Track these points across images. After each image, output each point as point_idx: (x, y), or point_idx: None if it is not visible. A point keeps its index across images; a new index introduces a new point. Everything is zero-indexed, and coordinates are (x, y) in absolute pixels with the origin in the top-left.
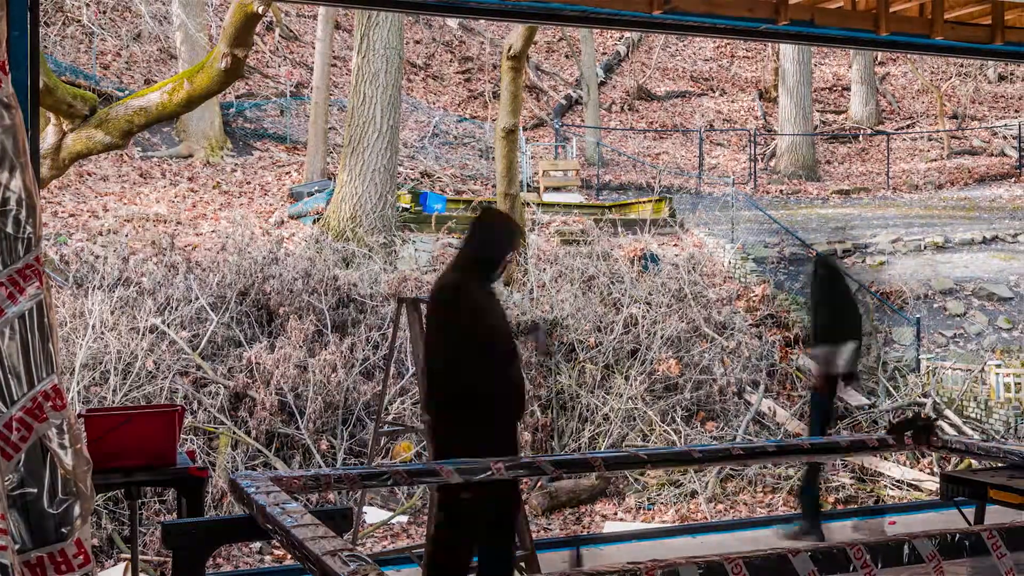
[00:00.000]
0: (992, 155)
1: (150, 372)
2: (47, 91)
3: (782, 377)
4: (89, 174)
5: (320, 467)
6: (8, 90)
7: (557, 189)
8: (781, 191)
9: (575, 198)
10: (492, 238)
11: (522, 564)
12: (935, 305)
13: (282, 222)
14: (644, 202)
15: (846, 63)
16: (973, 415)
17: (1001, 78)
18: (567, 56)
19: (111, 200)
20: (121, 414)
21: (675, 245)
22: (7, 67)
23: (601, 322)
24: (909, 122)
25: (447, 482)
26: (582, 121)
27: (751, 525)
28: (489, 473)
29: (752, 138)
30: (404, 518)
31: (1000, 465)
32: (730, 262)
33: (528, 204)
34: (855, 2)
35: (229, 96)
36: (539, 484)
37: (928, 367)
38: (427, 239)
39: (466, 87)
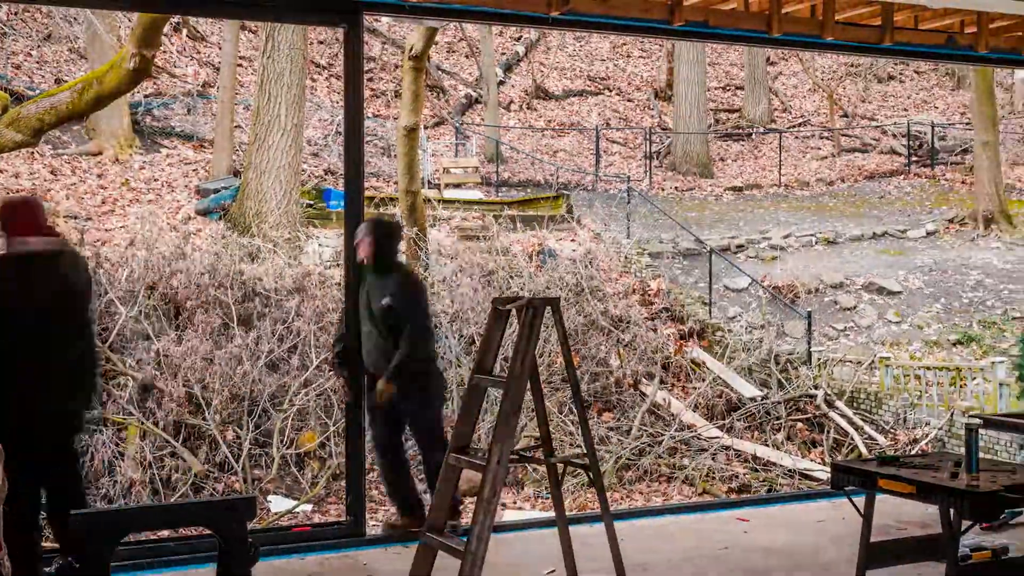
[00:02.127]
0: (882, 152)
1: None
2: None
3: (676, 369)
4: (0, 171)
5: (227, 456)
6: None
7: (457, 186)
8: (676, 188)
9: (475, 195)
10: None
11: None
12: (826, 299)
13: (189, 218)
14: (542, 199)
15: (739, 63)
16: (864, 406)
17: (890, 78)
18: (467, 56)
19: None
20: None
21: (572, 240)
22: None
23: None
24: (801, 121)
25: None
26: (482, 120)
27: (647, 514)
28: None
29: (647, 136)
30: (308, 506)
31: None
32: (626, 257)
33: (429, 201)
34: (748, 3)
35: (138, 95)
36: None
37: (819, 359)
38: (330, 234)
39: (368, 86)
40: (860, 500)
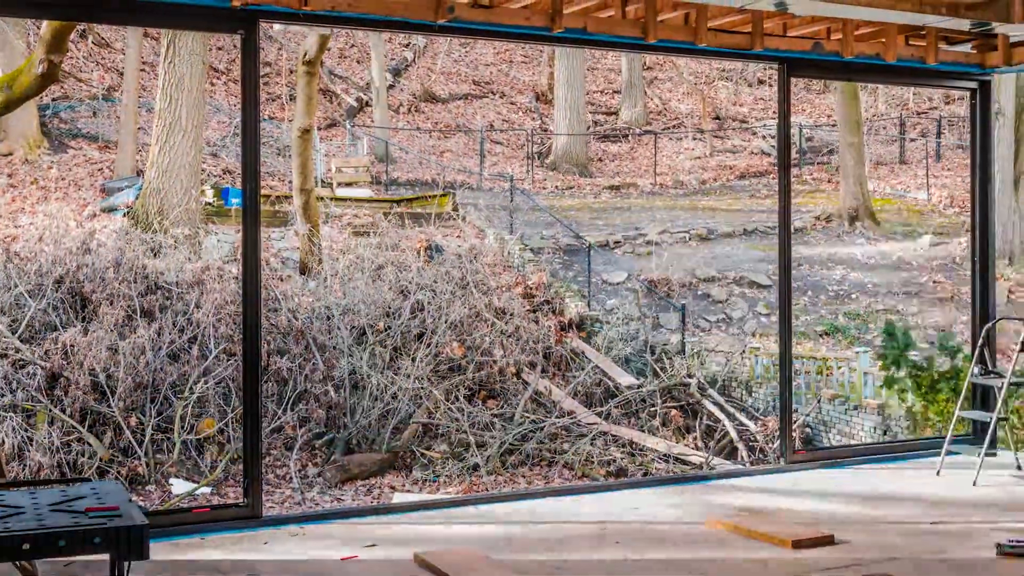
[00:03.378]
0: (752, 153)
1: None
2: None
3: (557, 359)
4: None
5: (131, 441)
6: None
7: (349, 184)
8: (556, 187)
9: (365, 193)
10: None
11: None
12: (699, 292)
13: (95, 215)
14: (429, 197)
15: (617, 68)
16: (736, 395)
17: (760, 82)
18: (358, 61)
19: None
20: None
21: (458, 237)
22: None
23: (390, 308)
24: (675, 123)
25: None
26: (372, 122)
27: (529, 496)
28: None
29: (529, 137)
30: (208, 489)
31: None
32: (509, 252)
33: (322, 198)
34: (625, 11)
35: (46, 99)
36: (331, 458)
37: (692, 350)
38: (228, 230)
39: (264, 90)
40: None
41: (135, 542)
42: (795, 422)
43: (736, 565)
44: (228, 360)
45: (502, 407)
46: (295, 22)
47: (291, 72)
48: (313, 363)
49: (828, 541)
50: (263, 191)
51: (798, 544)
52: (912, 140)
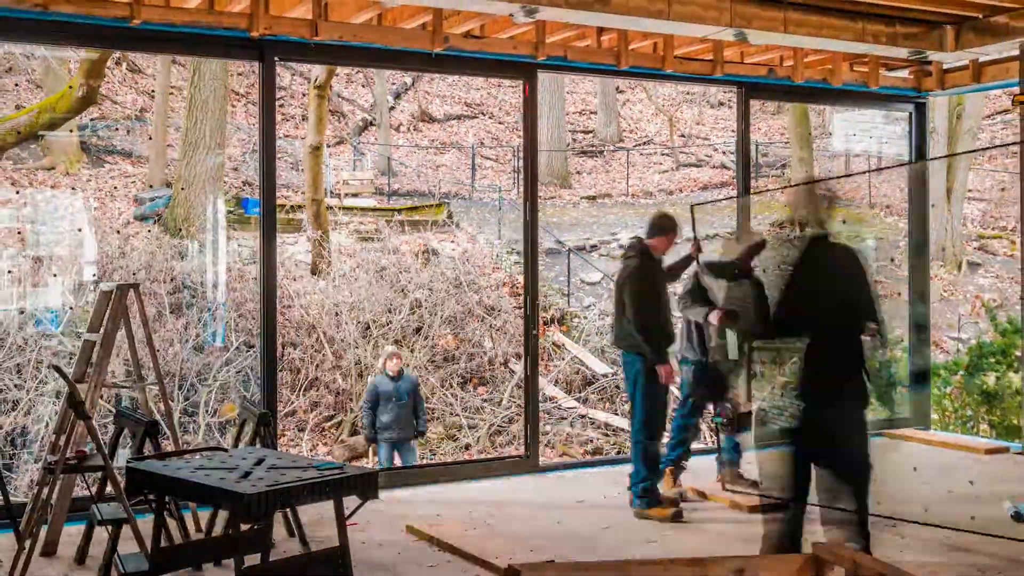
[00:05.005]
0: (713, 167)
1: (19, 346)
2: None
3: (540, 350)
4: None
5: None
6: None
7: (355, 195)
8: (539, 197)
9: (370, 203)
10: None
11: None
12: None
13: (128, 223)
14: (427, 206)
15: (593, 91)
16: None
17: (721, 104)
18: (363, 85)
19: None
20: None
21: (452, 241)
22: None
23: (391, 305)
24: (645, 140)
25: None
26: (376, 139)
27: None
28: None
29: (516, 153)
30: None
31: None
32: (497, 255)
33: (331, 207)
34: (600, 41)
35: (85, 119)
36: (339, 438)
37: None
38: (248, 236)
39: (280, 111)
40: None
41: (372, 485)
42: None
43: None
44: (247, 351)
45: (491, 393)
46: (307, 57)
47: (303, 95)
48: (323, 354)
49: None
50: (278, 201)
51: None
52: (857, 156)
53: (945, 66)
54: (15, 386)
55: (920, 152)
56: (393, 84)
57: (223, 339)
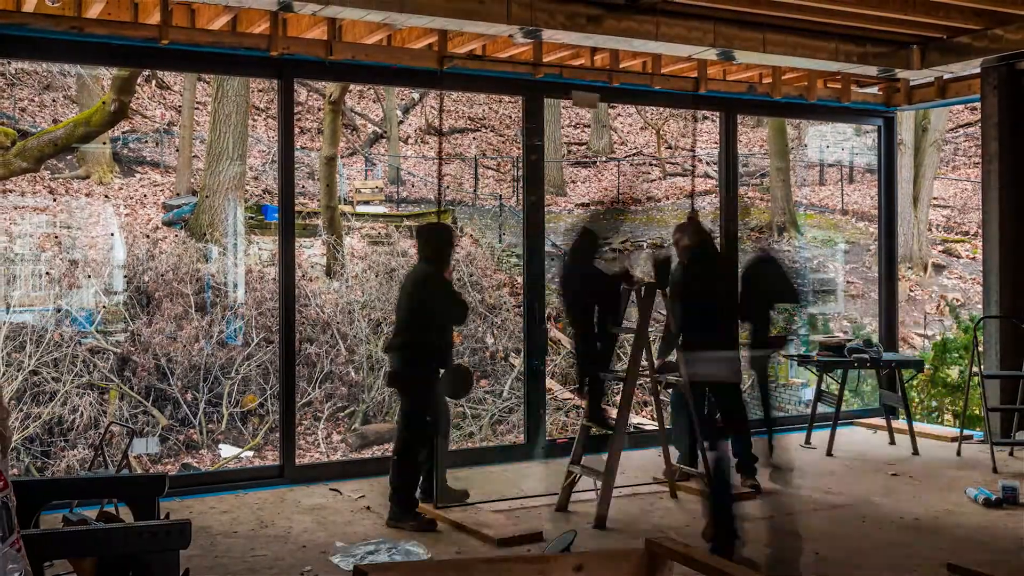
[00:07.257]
0: (698, 176)
1: (56, 342)
2: None
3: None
4: (9, 191)
5: (187, 413)
6: None
7: (366, 202)
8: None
9: (380, 209)
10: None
11: None
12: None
13: (157, 228)
14: (433, 212)
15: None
16: None
17: (704, 117)
18: (374, 100)
19: (26, 212)
20: None
21: (456, 245)
22: None
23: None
24: (635, 152)
25: None
26: (386, 151)
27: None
28: None
29: (515, 163)
30: (250, 453)
31: None
32: (498, 258)
33: (344, 214)
34: (594, 60)
35: (117, 132)
36: (352, 427)
37: (652, 338)
38: (267, 240)
39: (297, 124)
40: None
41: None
42: None
43: None
44: (267, 346)
45: (492, 385)
46: (322, 75)
47: (319, 110)
48: (337, 349)
49: None
50: (296, 208)
51: None
52: (830, 165)
53: (912, 83)
54: (53, 379)
55: (889, 163)
56: (402, 100)
57: (242, 335)
